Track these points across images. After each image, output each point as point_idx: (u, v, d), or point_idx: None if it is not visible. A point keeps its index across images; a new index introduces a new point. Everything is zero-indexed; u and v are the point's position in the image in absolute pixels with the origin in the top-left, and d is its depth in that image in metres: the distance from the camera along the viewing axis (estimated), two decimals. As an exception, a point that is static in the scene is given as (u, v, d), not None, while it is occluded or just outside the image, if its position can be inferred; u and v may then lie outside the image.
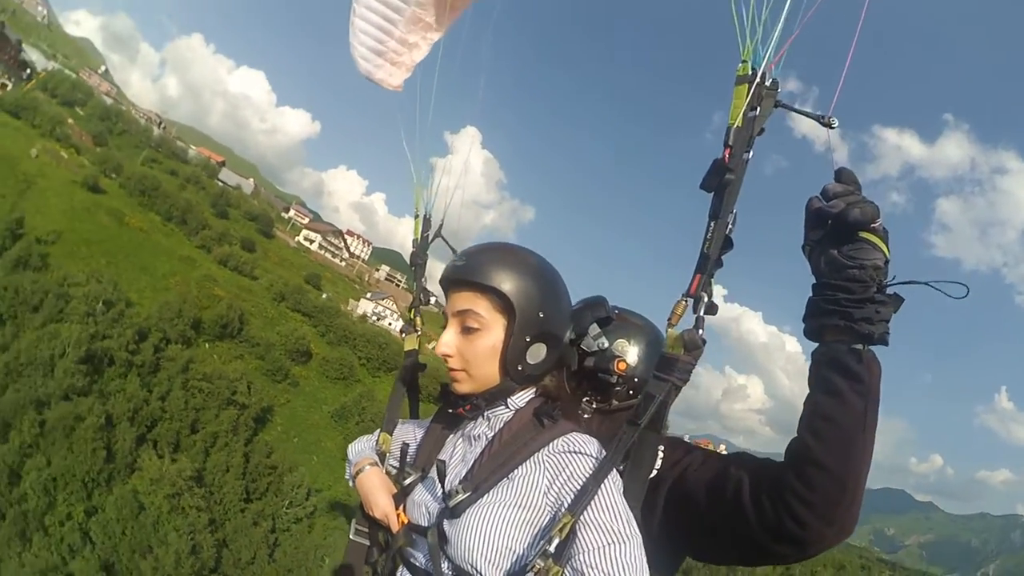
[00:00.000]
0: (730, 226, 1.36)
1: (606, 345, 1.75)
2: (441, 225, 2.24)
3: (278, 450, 46.08)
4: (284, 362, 56.22)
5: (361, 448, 1.86)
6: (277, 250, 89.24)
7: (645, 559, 1.23)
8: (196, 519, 35.10)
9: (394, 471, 1.73)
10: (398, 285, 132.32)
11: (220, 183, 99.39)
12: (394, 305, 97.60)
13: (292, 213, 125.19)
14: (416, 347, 2.09)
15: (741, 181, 1.37)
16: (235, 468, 41.59)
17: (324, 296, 75.68)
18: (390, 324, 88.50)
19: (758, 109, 1.39)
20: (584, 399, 1.85)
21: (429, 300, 2.18)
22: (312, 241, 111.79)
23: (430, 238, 2.22)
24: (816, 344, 1.34)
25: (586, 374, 1.80)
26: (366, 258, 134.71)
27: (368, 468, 1.73)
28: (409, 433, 1.82)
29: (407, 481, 1.59)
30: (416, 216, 2.26)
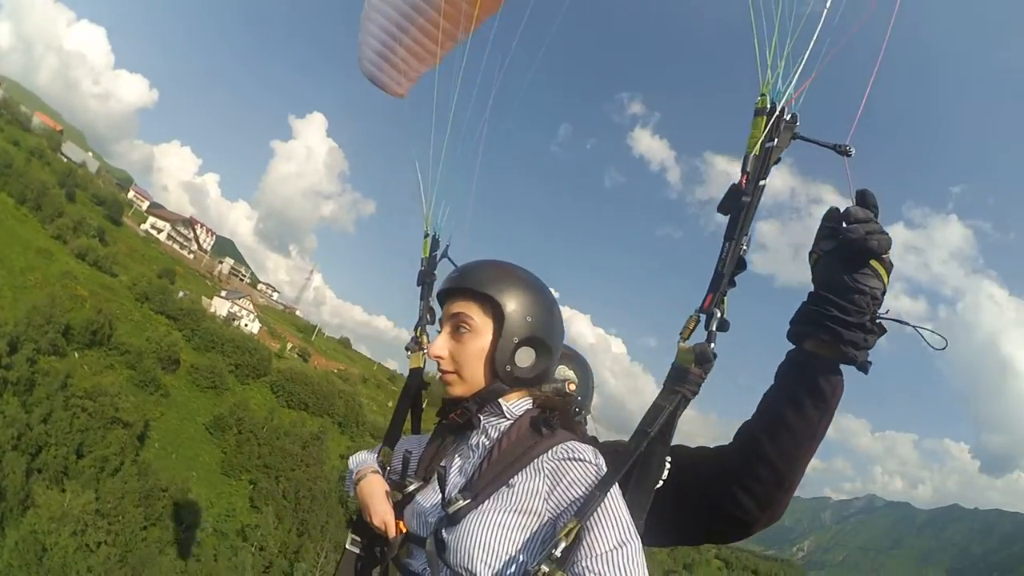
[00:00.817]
0: (744, 248, 1.44)
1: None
2: (448, 246, 2.42)
3: (161, 468, 45.33)
4: (155, 371, 54.69)
5: (363, 459, 1.93)
6: (126, 240, 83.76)
7: (645, 563, 1.25)
8: (107, 555, 33.39)
9: (395, 480, 1.77)
10: (242, 280, 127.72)
11: (64, 158, 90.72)
12: (251, 305, 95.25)
13: (132, 195, 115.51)
14: (421, 365, 2.25)
15: (756, 206, 1.45)
16: (131, 494, 39.38)
17: (181, 295, 73.36)
18: (246, 325, 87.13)
19: (775, 140, 1.47)
20: None
21: (435, 319, 2.27)
22: (160, 231, 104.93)
23: (438, 257, 2.40)
24: (794, 346, 1.42)
25: None
26: (208, 249, 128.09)
27: (370, 475, 1.78)
28: (410, 445, 1.87)
29: (408, 490, 1.66)
30: (425, 236, 2.43)
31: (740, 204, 1.44)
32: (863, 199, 1.34)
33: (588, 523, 1.25)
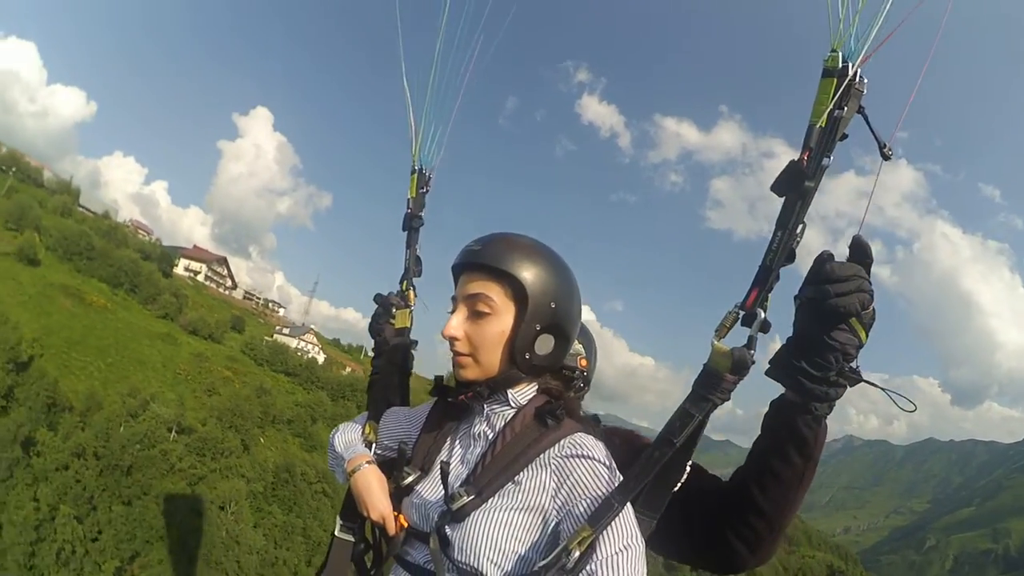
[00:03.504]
0: (797, 239, 1.27)
1: None
2: (430, 178, 2.18)
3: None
4: (323, 435, 53.67)
5: (350, 440, 1.80)
6: (179, 290, 79.54)
7: (645, 568, 1.23)
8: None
9: (385, 457, 1.73)
10: (268, 305, 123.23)
11: (83, 210, 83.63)
12: (315, 339, 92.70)
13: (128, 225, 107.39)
14: (408, 324, 2.05)
15: (816, 189, 1.25)
16: None
17: (296, 346, 70.93)
18: (314, 358, 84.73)
19: (844, 109, 1.26)
20: None
21: (421, 271, 2.12)
22: (197, 272, 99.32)
23: (425, 195, 2.17)
24: (777, 383, 1.37)
25: None
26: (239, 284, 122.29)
27: (364, 466, 1.68)
28: (402, 424, 1.78)
29: (406, 482, 1.56)
30: (412, 172, 2.16)
31: (802, 189, 1.25)
32: (857, 250, 1.26)
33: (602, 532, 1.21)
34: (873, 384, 1.33)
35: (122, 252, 62.87)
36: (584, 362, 2.08)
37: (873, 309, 1.26)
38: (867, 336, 1.29)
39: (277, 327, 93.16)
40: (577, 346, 2.06)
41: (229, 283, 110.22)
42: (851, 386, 1.33)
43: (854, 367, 1.30)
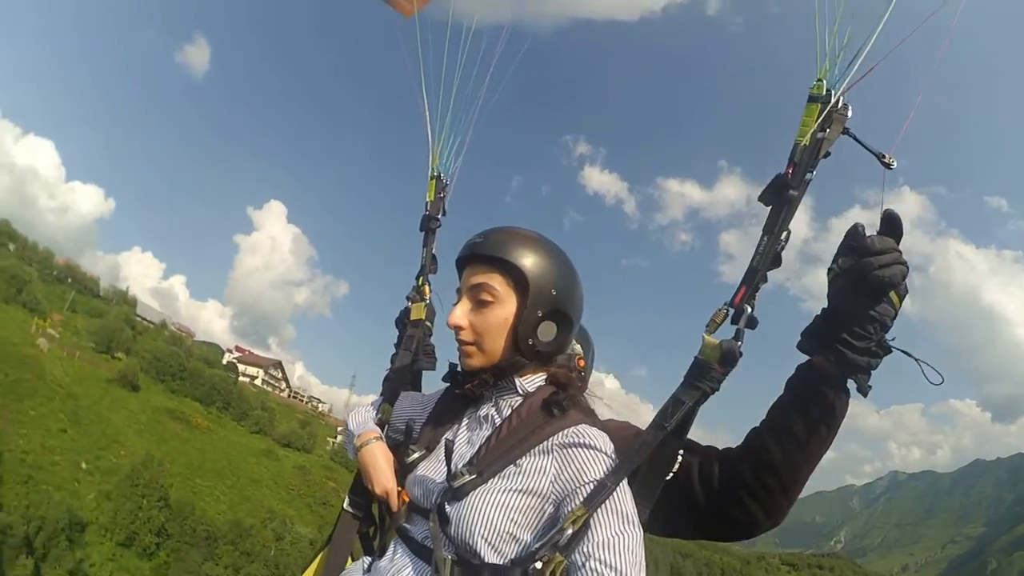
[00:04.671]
0: (782, 244, 1.38)
1: None
2: (448, 184, 2.31)
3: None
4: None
5: (364, 419, 1.84)
6: (265, 402, 79.10)
7: (643, 552, 1.24)
8: None
9: (396, 440, 1.75)
10: (310, 403, 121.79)
11: (141, 319, 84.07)
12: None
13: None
14: (423, 316, 2.16)
15: (800, 199, 1.38)
16: None
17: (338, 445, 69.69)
18: None
19: (827, 131, 1.40)
20: None
21: (437, 269, 2.22)
22: (255, 377, 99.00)
23: (445, 200, 2.28)
24: (805, 356, 1.42)
25: None
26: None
27: (373, 442, 1.72)
28: (414, 407, 1.81)
29: (411, 458, 1.58)
30: (431, 177, 2.29)
31: (785, 197, 1.38)
32: (889, 224, 1.33)
33: (595, 511, 1.24)
34: (907, 354, 1.36)
35: (213, 371, 63.50)
36: (582, 362, 2.11)
37: (906, 282, 1.32)
38: (901, 306, 1.34)
39: (339, 428, 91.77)
40: (576, 346, 2.09)
41: (284, 386, 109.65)
42: (884, 355, 1.36)
43: (892, 340, 1.35)
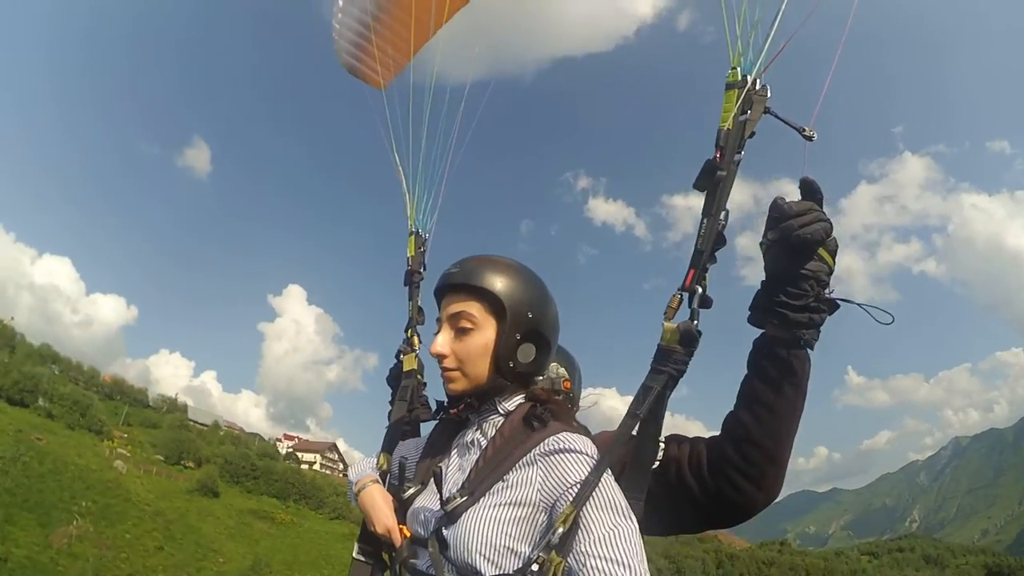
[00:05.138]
0: (722, 223, 1.44)
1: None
2: (427, 239, 2.45)
3: None
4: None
5: (362, 469, 1.90)
6: (337, 487, 79.35)
7: (642, 542, 1.26)
8: None
9: (395, 485, 1.75)
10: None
11: (193, 423, 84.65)
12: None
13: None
14: (415, 367, 2.24)
15: (732, 180, 1.45)
16: None
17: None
18: None
19: (748, 113, 1.47)
20: None
21: (424, 320, 2.33)
22: (313, 463, 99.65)
23: (424, 255, 2.42)
24: (758, 330, 1.46)
25: None
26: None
27: (369, 485, 1.76)
28: (408, 450, 1.87)
29: (407, 494, 1.62)
30: (410, 234, 2.42)
31: (716, 179, 1.45)
32: (805, 188, 1.39)
33: (584, 508, 1.27)
34: (848, 301, 1.40)
35: (281, 465, 64.26)
36: (568, 384, 2.18)
37: (834, 237, 1.36)
38: (834, 262, 1.38)
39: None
40: (560, 369, 2.18)
41: (341, 466, 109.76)
42: (831, 312, 1.40)
43: (829, 294, 1.39)
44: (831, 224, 1.34)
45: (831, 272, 1.37)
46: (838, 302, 1.39)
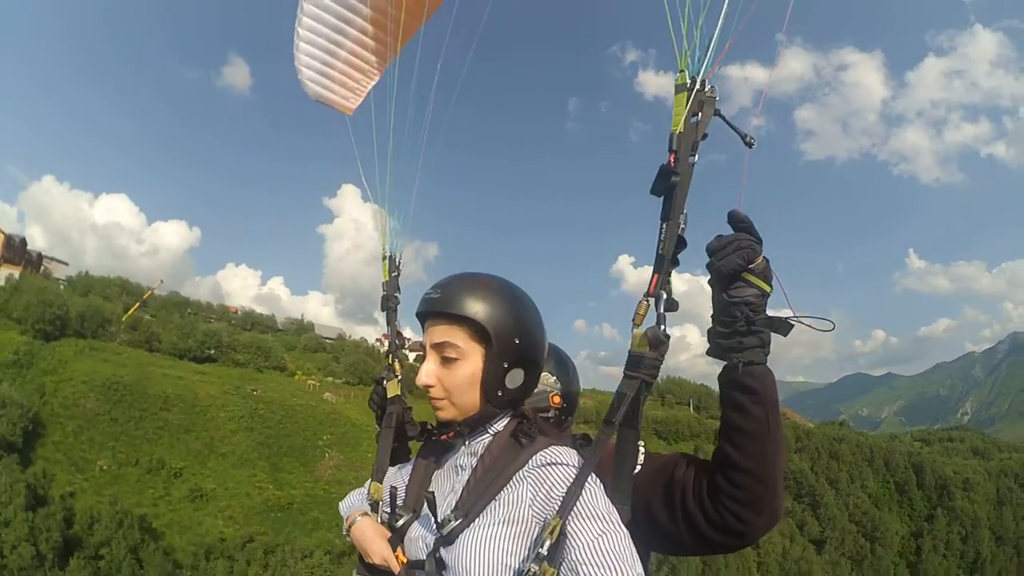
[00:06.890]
0: (682, 226, 1.43)
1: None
2: (399, 262, 2.41)
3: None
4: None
5: (352, 502, 1.89)
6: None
7: (633, 547, 1.26)
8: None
9: (387, 516, 1.73)
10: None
11: (325, 339, 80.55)
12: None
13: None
14: (399, 392, 2.17)
15: (688, 183, 1.44)
16: None
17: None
18: None
19: (699, 115, 1.47)
20: None
21: (405, 343, 2.29)
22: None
23: (398, 278, 2.38)
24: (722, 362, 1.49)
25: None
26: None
27: (359, 519, 1.75)
28: (397, 477, 1.83)
29: (400, 523, 1.60)
30: (384, 258, 2.40)
31: (671, 184, 1.44)
32: (731, 221, 1.44)
33: (569, 518, 1.27)
34: (784, 319, 1.43)
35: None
36: (557, 398, 2.11)
37: (764, 259, 1.42)
38: (770, 286, 1.43)
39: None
40: (549, 379, 2.11)
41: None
42: (772, 329, 1.44)
43: (765, 315, 1.43)
44: (755, 250, 1.41)
45: (764, 294, 1.43)
46: (771, 319, 1.43)
